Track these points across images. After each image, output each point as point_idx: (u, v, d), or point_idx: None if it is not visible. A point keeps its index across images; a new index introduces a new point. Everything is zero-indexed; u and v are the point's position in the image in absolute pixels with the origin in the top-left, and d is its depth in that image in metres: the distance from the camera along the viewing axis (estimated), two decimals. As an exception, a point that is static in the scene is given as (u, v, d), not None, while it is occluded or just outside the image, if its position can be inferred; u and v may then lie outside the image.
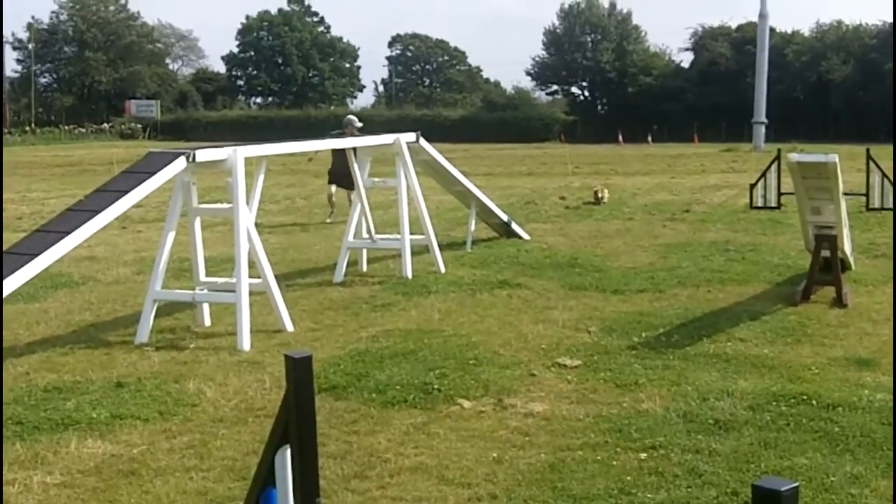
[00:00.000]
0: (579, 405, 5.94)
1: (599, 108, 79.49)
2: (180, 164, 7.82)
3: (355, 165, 11.81)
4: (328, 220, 16.28)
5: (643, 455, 5.08)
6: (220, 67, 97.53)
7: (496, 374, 6.56)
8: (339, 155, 14.90)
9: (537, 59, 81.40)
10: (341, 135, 14.94)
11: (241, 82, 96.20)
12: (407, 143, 10.94)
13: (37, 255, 6.72)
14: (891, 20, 57.45)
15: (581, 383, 6.40)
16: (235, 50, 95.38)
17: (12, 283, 6.49)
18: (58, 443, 5.42)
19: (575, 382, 6.42)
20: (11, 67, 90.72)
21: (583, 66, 78.58)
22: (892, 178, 10.32)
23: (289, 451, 2.90)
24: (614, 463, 5.00)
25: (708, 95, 66.31)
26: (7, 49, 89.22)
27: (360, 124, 16.27)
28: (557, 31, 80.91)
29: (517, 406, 5.90)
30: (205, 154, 8.11)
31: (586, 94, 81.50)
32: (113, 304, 9.40)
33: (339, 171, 15.12)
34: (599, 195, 18.88)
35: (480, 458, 5.05)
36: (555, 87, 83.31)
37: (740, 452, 5.10)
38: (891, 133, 38.41)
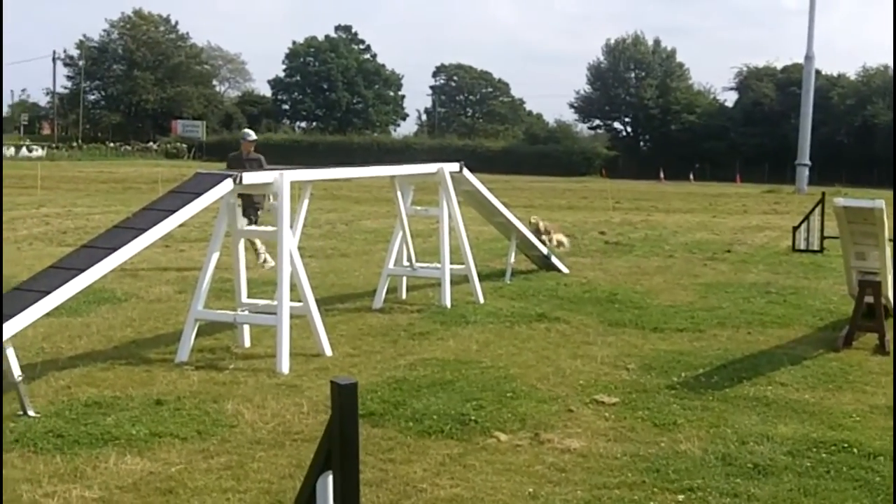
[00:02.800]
0: (616, 443, 5.90)
1: (642, 144, 79.43)
2: (227, 185, 7.90)
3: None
4: (263, 266, 13.22)
5: (681, 497, 5.03)
6: (266, 91, 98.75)
7: (533, 408, 6.54)
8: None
9: (581, 93, 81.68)
10: (239, 155, 13.72)
11: (286, 106, 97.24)
12: (450, 172, 10.99)
13: (83, 270, 6.80)
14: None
15: (619, 421, 6.36)
16: (282, 74, 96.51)
17: (58, 297, 6.56)
18: (97, 458, 5.47)
19: (612, 420, 6.38)
20: (61, 83, 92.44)
21: (626, 101, 78.67)
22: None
23: (331, 478, 2.91)
24: (651, 503, 4.96)
25: (751, 136, 66.05)
26: (58, 65, 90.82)
27: (253, 137, 14.11)
28: (602, 65, 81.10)
29: (554, 441, 5.86)
30: (251, 177, 8.20)
31: (629, 129, 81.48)
32: (154, 322, 9.50)
33: (247, 199, 12.19)
34: (549, 239, 14.87)
35: (516, 493, 5.03)
36: (597, 122, 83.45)
37: (779, 499, 5.04)
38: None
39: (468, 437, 5.93)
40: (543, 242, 13.97)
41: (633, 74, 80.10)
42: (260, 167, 12.70)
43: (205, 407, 6.52)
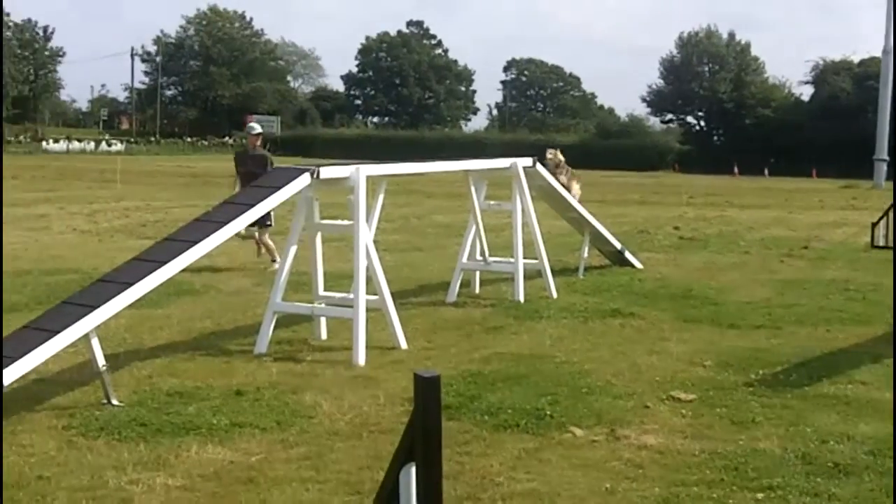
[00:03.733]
0: (694, 440, 5.85)
1: (715, 138, 78.20)
2: (305, 180, 8.01)
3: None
4: (269, 268, 12.45)
5: (760, 495, 4.97)
6: (340, 86, 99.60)
7: (609, 404, 6.51)
8: (247, 181, 11.65)
9: (653, 86, 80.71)
10: (244, 151, 13.57)
11: (358, 101, 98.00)
12: (523, 167, 10.98)
13: (165, 262, 6.95)
14: None
15: (696, 418, 6.30)
16: (355, 70, 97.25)
17: (141, 289, 6.72)
18: (179, 447, 5.59)
19: (689, 417, 6.32)
20: (139, 79, 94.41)
21: (699, 95, 77.53)
22: None
23: (414, 469, 2.95)
24: (730, 501, 4.91)
25: (827, 130, 64.55)
26: (136, 61, 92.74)
27: (258, 131, 13.64)
28: (675, 59, 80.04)
29: (630, 437, 5.84)
30: (328, 171, 8.30)
31: (702, 123, 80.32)
32: (233, 314, 9.67)
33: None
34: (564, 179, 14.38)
35: (593, 488, 5.02)
36: (670, 116, 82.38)
37: (861, 498, 4.95)
38: None
39: (544, 431, 5.93)
40: (555, 176, 12.98)
41: (706, 68, 78.90)
42: (264, 165, 12.46)
43: (284, 398, 6.63)
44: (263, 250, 13.19)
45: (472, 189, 10.73)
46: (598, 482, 5.11)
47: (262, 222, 12.02)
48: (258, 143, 13.52)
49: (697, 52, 78.95)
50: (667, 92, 79.63)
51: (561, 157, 14.92)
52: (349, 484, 5.06)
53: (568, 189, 13.32)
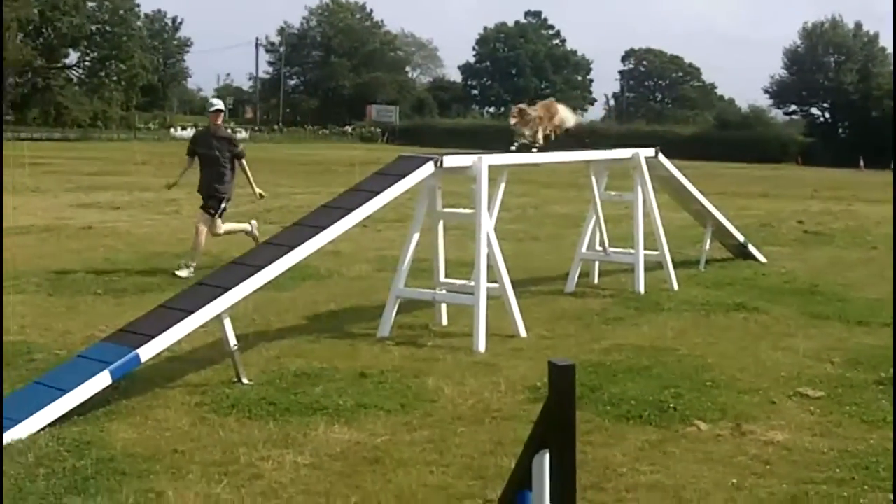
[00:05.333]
0: (822, 438, 5.70)
1: (840, 130, 75.61)
2: (428, 168, 8.09)
3: (250, 176, 11.62)
4: (181, 273, 10.88)
5: (892, 496, 4.82)
6: (457, 77, 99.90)
7: (734, 399, 6.39)
8: (210, 164, 11.48)
9: (776, 77, 78.54)
10: (206, 132, 11.96)
11: (475, 92, 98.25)
12: (645, 157, 10.84)
13: (294, 246, 7.12)
14: None
15: (824, 416, 6.13)
16: (472, 60, 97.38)
17: (271, 272, 6.90)
18: (307, 426, 5.73)
19: (818, 414, 6.15)
20: (263, 69, 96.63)
21: (824, 86, 75.09)
22: None
23: (547, 456, 2.96)
24: (861, 501, 4.77)
25: (961, 122, 61.63)
26: (260, 52, 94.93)
27: (218, 107, 11.80)
28: (799, 49, 77.70)
29: (756, 433, 5.72)
30: (452, 160, 8.36)
31: (827, 115, 77.79)
32: (356, 298, 9.85)
33: (209, 186, 11.48)
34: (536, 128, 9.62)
35: (719, 483, 4.94)
36: (793, 108, 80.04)
37: None
38: None
39: (667, 424, 5.86)
40: (523, 135, 9.50)
41: (832, 59, 76.36)
42: (230, 145, 11.54)
43: (406, 381, 6.72)
44: (254, 232, 12.03)
45: (593, 179, 10.64)
46: (724, 477, 5.03)
47: (209, 209, 11.49)
48: (220, 121, 11.81)
49: (822, 43, 76.45)
50: (790, 83, 77.38)
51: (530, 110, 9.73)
52: (472, 469, 5.11)
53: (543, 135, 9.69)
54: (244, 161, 11.67)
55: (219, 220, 11.58)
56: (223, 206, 11.58)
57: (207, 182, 11.53)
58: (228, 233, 11.85)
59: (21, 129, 63.73)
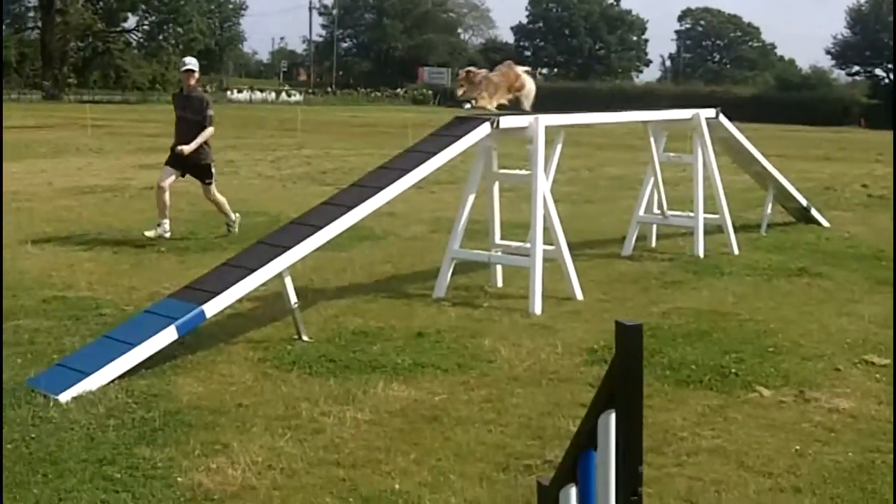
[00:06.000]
0: (889, 406, 5.60)
1: (906, 92, 73.78)
2: (485, 129, 8.04)
3: (199, 139, 10.57)
4: (150, 234, 10.49)
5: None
6: (509, 38, 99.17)
7: (797, 365, 6.32)
8: (186, 127, 10.86)
9: (839, 37, 76.80)
10: (180, 93, 11.14)
11: (528, 53, 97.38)
12: (705, 118, 10.68)
13: (352, 207, 7.15)
14: None
15: (891, 383, 6.02)
16: (524, 21, 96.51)
17: (330, 232, 6.94)
18: (366, 383, 5.79)
19: (884, 382, 6.06)
20: (317, 32, 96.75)
21: (889, 46, 73.19)
22: None
23: (613, 416, 2.95)
24: (928, 470, 4.70)
25: None
26: (314, 15, 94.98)
27: (190, 67, 10.88)
28: (863, 8, 75.81)
29: (820, 400, 5.65)
30: (508, 121, 8.30)
31: (892, 76, 75.92)
32: (411, 259, 9.90)
33: (186, 155, 10.76)
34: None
35: (781, 449, 4.90)
36: (856, 68, 78.28)
37: None
38: None
39: (728, 389, 5.82)
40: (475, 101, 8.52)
41: (898, 18, 74.41)
42: (201, 110, 10.75)
43: (463, 341, 6.75)
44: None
45: (652, 140, 10.52)
46: (787, 443, 4.98)
47: (203, 179, 10.99)
48: (193, 82, 10.91)
49: (888, 1, 74.47)
50: (853, 43, 75.68)
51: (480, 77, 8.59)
52: (530, 428, 5.12)
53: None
54: (209, 129, 10.79)
55: (210, 188, 11.05)
56: (213, 170, 11.11)
57: (183, 144, 10.76)
58: (217, 204, 11.18)
59: (83, 91, 64.68)
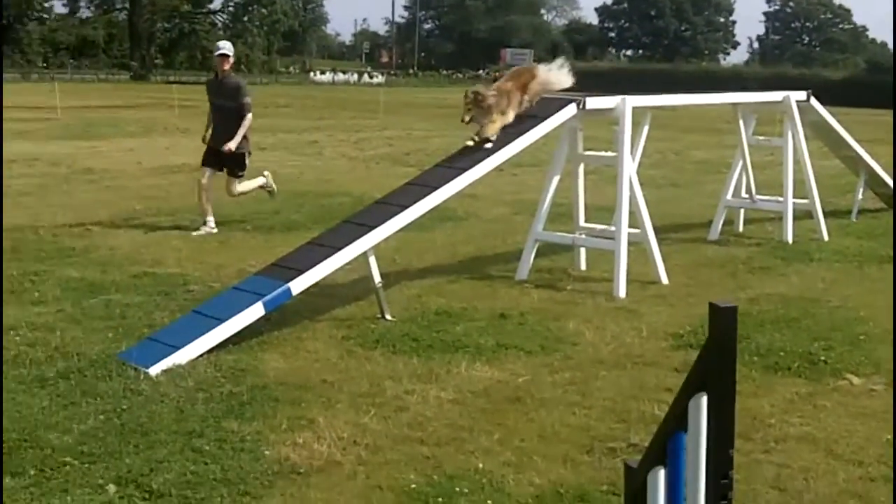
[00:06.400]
0: None
1: None
2: (571, 110, 7.99)
3: (242, 130, 9.97)
4: (199, 232, 10.03)
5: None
6: (593, 18, 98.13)
7: (889, 354, 6.15)
8: (221, 116, 10.27)
9: (937, 19, 74.21)
10: (214, 79, 10.51)
11: (612, 34, 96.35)
12: (796, 101, 10.43)
13: (436, 188, 7.17)
14: None
15: None
16: (609, 1, 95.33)
17: (415, 212, 6.96)
18: (449, 362, 5.82)
19: (980, 372, 5.87)
20: (399, 13, 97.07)
21: None
22: None
23: (704, 399, 2.92)
24: None
25: None
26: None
27: (224, 51, 10.32)
28: (964, -11, 73.08)
29: (913, 389, 5.51)
30: (594, 102, 8.22)
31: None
32: (493, 240, 9.89)
33: (219, 141, 10.16)
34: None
35: (872, 438, 4.79)
36: (954, 52, 75.58)
37: None
38: None
39: (817, 377, 5.70)
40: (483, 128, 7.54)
41: None
42: (236, 97, 10.14)
43: (546, 324, 6.73)
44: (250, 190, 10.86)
45: (741, 123, 10.32)
46: (878, 433, 4.86)
47: (235, 171, 10.32)
48: (227, 66, 10.28)
49: None
50: (952, 25, 73.02)
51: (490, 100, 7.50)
52: (615, 412, 5.09)
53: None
54: (248, 116, 10.20)
55: (236, 181, 10.43)
56: (246, 161, 10.42)
57: (219, 136, 10.16)
58: (242, 194, 10.66)
59: (169, 72, 65.94)
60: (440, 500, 4.01)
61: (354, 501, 3.99)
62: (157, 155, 17.45)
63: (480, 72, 79.77)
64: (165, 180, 14.04)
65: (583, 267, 8.62)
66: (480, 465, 4.35)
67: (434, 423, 4.85)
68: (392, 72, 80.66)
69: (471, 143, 7.53)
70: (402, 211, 6.89)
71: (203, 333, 5.75)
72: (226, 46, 10.41)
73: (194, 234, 9.95)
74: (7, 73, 56.63)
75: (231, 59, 10.34)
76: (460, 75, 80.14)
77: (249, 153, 10.46)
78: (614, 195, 8.17)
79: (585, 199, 8.82)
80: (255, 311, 6.00)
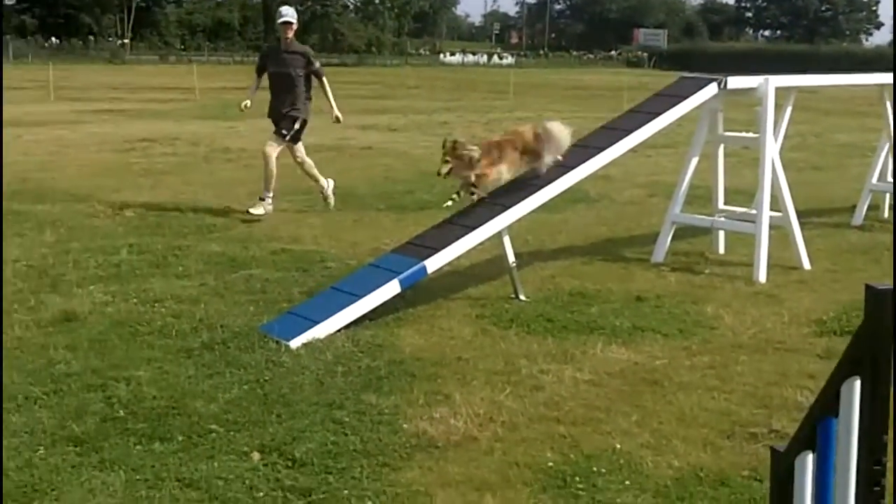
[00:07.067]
0: None
1: None
2: (711, 89, 7.80)
3: (330, 97, 9.97)
4: (256, 211, 9.54)
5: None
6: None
7: None
8: (284, 85, 9.87)
9: None
10: (276, 47, 10.12)
11: (749, 14, 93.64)
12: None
13: (573, 167, 7.11)
14: None
15: None
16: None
17: (552, 191, 6.92)
18: (584, 343, 5.78)
19: None
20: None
21: None
22: None
23: (857, 383, 2.82)
24: None
25: None
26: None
27: (288, 18, 9.90)
28: None
29: None
30: (736, 81, 8.01)
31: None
32: (628, 222, 9.77)
33: (280, 109, 9.86)
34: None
35: None
36: None
37: None
38: None
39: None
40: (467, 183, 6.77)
41: None
42: (305, 65, 9.83)
43: (684, 307, 6.62)
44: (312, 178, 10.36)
45: (888, 105, 9.87)
46: None
47: (280, 130, 9.84)
48: (291, 34, 9.89)
49: None
50: None
51: (471, 149, 6.67)
52: (756, 397, 4.97)
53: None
54: (324, 79, 10.03)
55: (299, 145, 10.02)
56: (296, 126, 9.85)
57: (278, 105, 9.85)
58: (304, 169, 10.19)
59: (302, 55, 67.32)
60: (577, 479, 4.00)
61: (492, 477, 4.01)
62: (292, 135, 17.80)
63: (612, 53, 78.76)
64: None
65: (721, 250, 8.43)
66: (618, 446, 4.31)
67: (570, 403, 4.83)
68: (522, 53, 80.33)
69: (450, 202, 6.83)
70: (537, 191, 6.86)
71: (341, 309, 5.87)
72: (289, 13, 10.02)
73: (252, 211, 9.49)
74: (145, 56, 59.03)
75: (295, 26, 9.97)
76: (591, 56, 79.28)
77: (306, 121, 9.98)
78: (752, 178, 7.96)
79: (724, 181, 8.61)
80: (392, 288, 6.08)
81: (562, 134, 6.96)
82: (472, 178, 6.59)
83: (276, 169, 9.76)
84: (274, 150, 9.78)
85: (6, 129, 17.50)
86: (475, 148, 6.62)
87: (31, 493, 3.80)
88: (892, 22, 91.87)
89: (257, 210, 9.53)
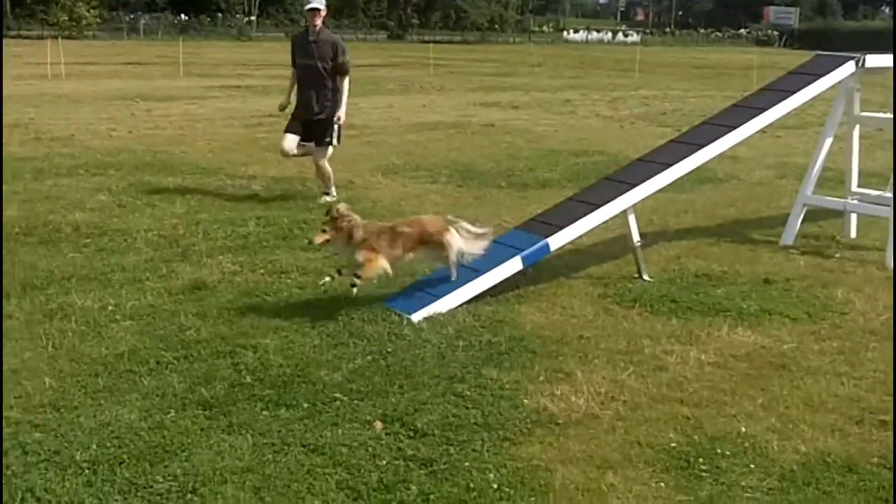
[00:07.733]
0: None
1: None
2: (849, 68, 7.54)
3: (345, 99, 8.94)
4: (323, 200, 9.09)
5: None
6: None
7: None
8: (311, 78, 9.09)
9: None
10: (304, 35, 9.23)
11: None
12: None
13: (703, 146, 6.97)
14: None
15: None
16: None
17: (679, 170, 6.79)
18: (709, 325, 5.68)
19: None
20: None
21: None
22: None
23: None
24: None
25: None
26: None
27: (315, 5, 8.97)
28: None
29: None
30: (875, 60, 7.71)
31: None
32: (756, 204, 9.53)
33: (309, 105, 9.10)
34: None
35: None
36: None
37: None
38: None
39: None
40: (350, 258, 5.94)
41: None
42: (333, 56, 9.01)
43: (813, 291, 6.44)
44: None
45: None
46: None
47: (320, 137, 9.13)
48: (319, 21, 9.04)
49: None
50: None
51: (353, 223, 5.83)
52: (887, 384, 4.81)
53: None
54: (347, 78, 9.16)
55: (325, 150, 9.22)
56: (335, 128, 9.10)
57: (307, 100, 9.10)
58: (321, 172, 9.33)
59: (424, 32, 67.63)
60: (701, 460, 3.95)
61: (613, 455, 3.99)
62: (414, 112, 17.95)
63: (741, 31, 76.60)
64: (423, 137, 14.45)
65: (852, 234, 8.15)
66: (743, 429, 4.24)
67: (694, 385, 4.76)
68: (648, 30, 78.87)
69: (328, 279, 5.98)
70: (664, 169, 6.76)
71: (463, 284, 5.90)
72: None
73: (321, 200, 9.15)
74: (271, 33, 60.15)
75: (323, 13, 9.09)
76: (719, 34, 77.25)
77: (341, 119, 9.12)
78: (885, 161, 7.67)
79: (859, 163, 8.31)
80: (514, 265, 6.08)
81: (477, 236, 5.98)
82: (360, 260, 5.75)
83: (330, 168, 9.33)
84: (322, 157, 9.22)
85: (139, 102, 18.18)
86: (359, 223, 5.78)
87: (162, 453, 3.95)
88: None
89: (324, 199, 9.14)
